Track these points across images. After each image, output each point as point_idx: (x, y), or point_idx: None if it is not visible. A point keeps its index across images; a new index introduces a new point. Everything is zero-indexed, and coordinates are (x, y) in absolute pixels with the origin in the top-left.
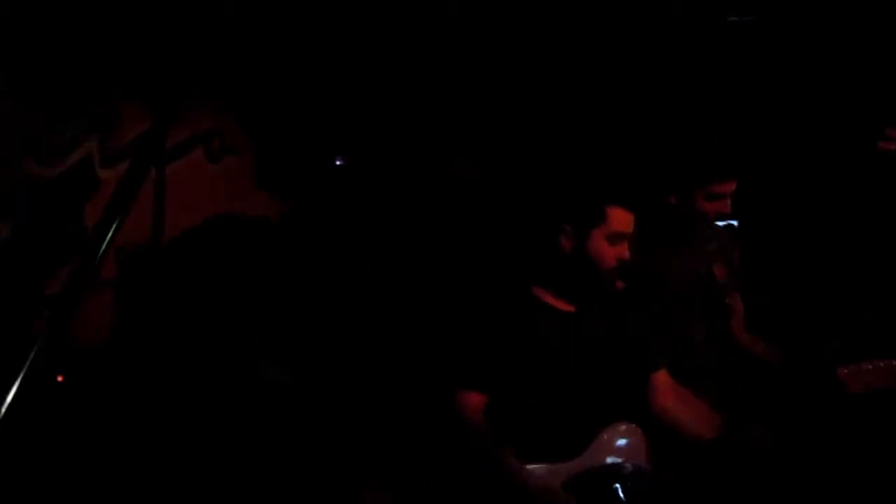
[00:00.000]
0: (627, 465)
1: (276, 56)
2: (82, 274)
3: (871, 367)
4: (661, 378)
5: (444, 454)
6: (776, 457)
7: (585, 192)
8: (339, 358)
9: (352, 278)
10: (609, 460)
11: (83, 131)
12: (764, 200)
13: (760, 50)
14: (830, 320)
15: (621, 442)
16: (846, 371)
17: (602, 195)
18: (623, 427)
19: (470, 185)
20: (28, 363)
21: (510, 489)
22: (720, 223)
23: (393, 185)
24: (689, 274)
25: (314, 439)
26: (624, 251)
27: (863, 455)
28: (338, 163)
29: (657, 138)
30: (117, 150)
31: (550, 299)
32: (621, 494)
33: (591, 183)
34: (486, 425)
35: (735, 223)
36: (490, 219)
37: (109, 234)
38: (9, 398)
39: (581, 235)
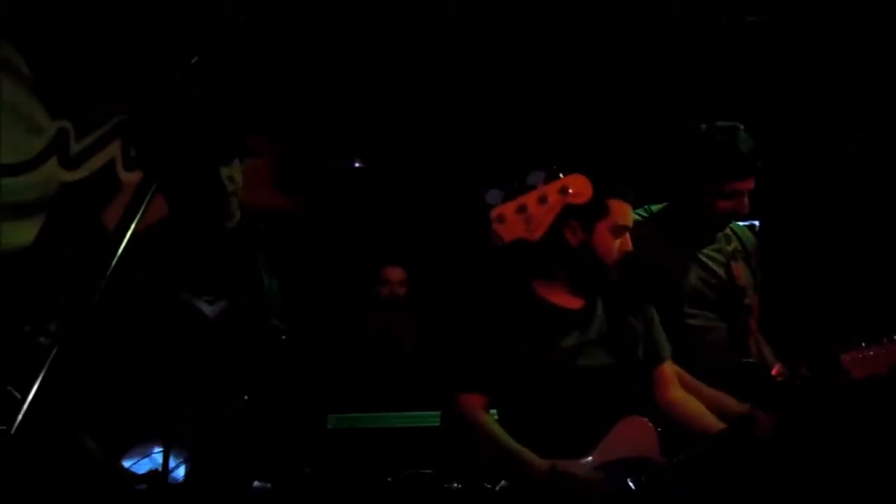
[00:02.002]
0: (640, 459)
1: (289, 60)
2: (102, 275)
3: (872, 352)
4: (666, 370)
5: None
6: (782, 445)
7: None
8: (344, 355)
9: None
10: (621, 455)
11: (107, 135)
12: (787, 200)
13: (780, 49)
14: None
15: (634, 436)
16: (848, 358)
17: (603, 188)
18: (635, 421)
19: (462, 184)
20: (48, 364)
21: (523, 487)
22: (741, 223)
23: (399, 185)
24: (708, 275)
25: (314, 438)
26: (627, 243)
27: (867, 440)
28: (356, 165)
29: (670, 134)
30: (139, 153)
31: (555, 297)
32: (635, 489)
33: (593, 176)
34: (491, 424)
35: (756, 223)
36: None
37: (128, 235)
38: (29, 398)
39: (587, 230)
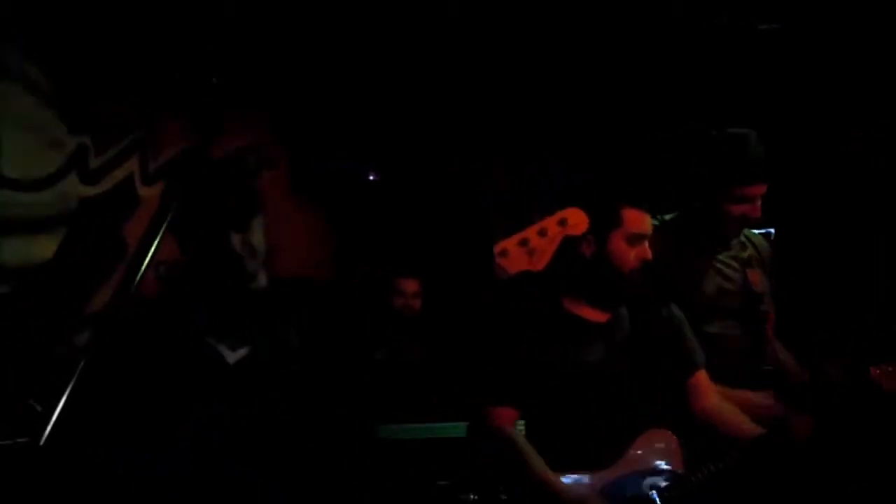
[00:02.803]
0: (663, 471)
1: (304, 68)
2: (124, 290)
3: None
4: (701, 378)
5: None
6: (815, 457)
7: (600, 195)
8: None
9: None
10: (645, 467)
11: (125, 150)
12: (801, 206)
13: (789, 53)
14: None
15: (657, 448)
16: (878, 371)
17: (615, 197)
18: (658, 433)
19: (463, 185)
20: (74, 379)
21: (546, 498)
22: (757, 231)
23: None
24: (723, 282)
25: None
26: (645, 252)
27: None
28: (371, 177)
29: (679, 139)
30: (158, 167)
31: (581, 311)
32: (658, 501)
33: (605, 185)
34: (519, 437)
35: (771, 230)
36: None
37: (151, 251)
38: (56, 413)
39: (600, 240)
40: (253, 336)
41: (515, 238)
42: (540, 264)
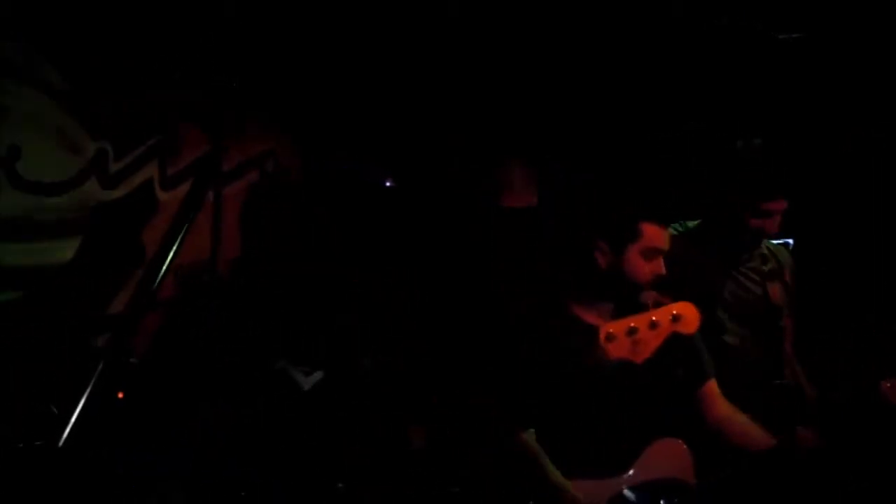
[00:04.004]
0: (673, 480)
1: (328, 74)
2: (143, 294)
3: None
4: (712, 388)
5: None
6: (822, 469)
7: (620, 208)
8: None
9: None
10: (656, 476)
11: (145, 155)
12: (821, 219)
13: (809, 66)
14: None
15: (667, 458)
16: (888, 385)
17: (637, 210)
18: (668, 443)
19: (462, 186)
20: (93, 381)
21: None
22: (776, 241)
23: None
24: (743, 293)
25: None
26: (659, 267)
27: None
28: (388, 184)
29: (669, 135)
30: (177, 173)
31: (592, 318)
32: None
33: (626, 198)
34: (536, 449)
35: (791, 242)
36: (528, 237)
37: (170, 255)
38: (74, 415)
39: (617, 252)
40: (327, 359)
41: (624, 324)
42: (641, 357)
